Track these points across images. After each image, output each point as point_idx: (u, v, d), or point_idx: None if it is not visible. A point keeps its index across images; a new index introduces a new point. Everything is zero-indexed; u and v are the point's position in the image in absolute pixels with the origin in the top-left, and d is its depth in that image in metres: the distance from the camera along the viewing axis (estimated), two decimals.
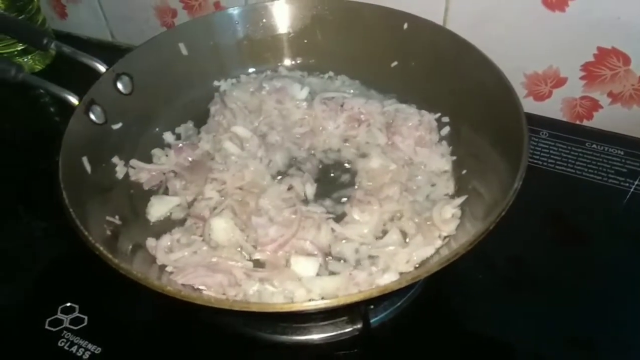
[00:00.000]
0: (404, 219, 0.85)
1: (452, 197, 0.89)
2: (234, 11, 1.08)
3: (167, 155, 0.98)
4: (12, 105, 1.36)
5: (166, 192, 0.94)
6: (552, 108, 1.13)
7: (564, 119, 1.14)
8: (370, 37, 1.06)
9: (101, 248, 0.68)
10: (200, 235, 0.85)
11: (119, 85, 0.96)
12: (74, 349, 0.82)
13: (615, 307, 0.84)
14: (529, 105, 1.12)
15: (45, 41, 0.97)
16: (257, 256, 0.82)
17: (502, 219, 0.68)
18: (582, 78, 1.07)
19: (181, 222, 0.89)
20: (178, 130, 1.05)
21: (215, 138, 1.00)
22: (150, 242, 0.83)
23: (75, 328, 0.84)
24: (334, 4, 1.07)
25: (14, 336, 0.86)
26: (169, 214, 0.91)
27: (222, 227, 0.83)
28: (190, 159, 0.98)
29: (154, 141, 1.02)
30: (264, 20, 1.10)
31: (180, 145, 0.99)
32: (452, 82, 0.96)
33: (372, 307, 0.81)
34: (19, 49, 1.33)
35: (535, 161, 1.04)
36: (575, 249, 0.93)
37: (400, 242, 0.83)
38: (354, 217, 0.86)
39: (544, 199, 0.97)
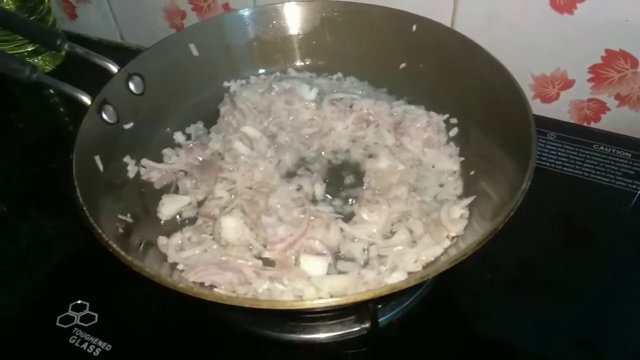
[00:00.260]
0: (412, 219, 0.86)
1: (460, 197, 0.89)
2: (245, 13, 1.09)
3: (177, 155, 0.99)
4: (23, 105, 1.38)
5: (177, 191, 0.95)
6: (560, 110, 1.14)
7: (572, 121, 1.15)
8: (379, 38, 1.07)
9: (114, 245, 0.68)
10: (211, 234, 0.86)
11: (131, 86, 0.97)
12: (84, 345, 0.83)
13: (622, 308, 0.84)
14: (537, 107, 1.13)
15: (58, 42, 0.98)
16: (266, 255, 0.83)
17: (510, 220, 0.68)
18: (589, 80, 1.07)
19: (192, 221, 0.90)
20: (188, 130, 1.06)
21: (225, 138, 1.00)
22: (162, 240, 0.84)
23: (85, 325, 0.85)
24: (343, 5, 1.08)
25: (25, 333, 0.87)
26: (179, 212, 0.92)
27: (232, 226, 0.84)
28: (200, 158, 0.98)
29: (165, 141, 1.03)
30: (274, 22, 1.11)
31: (191, 145, 1.00)
32: (461, 83, 0.97)
33: (379, 306, 0.82)
34: (29, 49, 1.34)
35: (543, 163, 1.04)
36: (583, 250, 0.93)
37: (409, 242, 0.83)
38: (362, 217, 0.87)
39: (551, 200, 0.97)
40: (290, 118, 1.05)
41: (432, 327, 0.84)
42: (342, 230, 0.85)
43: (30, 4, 1.31)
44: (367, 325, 0.80)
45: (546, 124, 1.11)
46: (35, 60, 1.36)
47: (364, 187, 0.93)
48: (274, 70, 1.15)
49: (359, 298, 0.63)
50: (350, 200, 0.92)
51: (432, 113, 0.99)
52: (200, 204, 0.92)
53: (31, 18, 1.30)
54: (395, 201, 0.87)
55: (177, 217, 0.92)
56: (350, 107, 1.02)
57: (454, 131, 0.99)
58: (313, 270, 0.79)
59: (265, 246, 0.83)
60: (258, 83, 1.11)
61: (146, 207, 0.92)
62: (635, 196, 0.98)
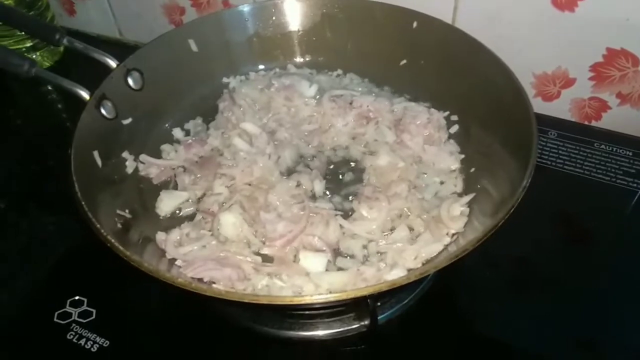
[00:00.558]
0: (412, 216, 0.86)
1: (461, 194, 0.89)
2: (245, 8, 1.09)
3: (176, 151, 0.99)
4: (21, 101, 1.37)
5: (175, 187, 0.95)
6: (561, 108, 1.13)
7: (573, 120, 1.14)
8: (379, 35, 1.06)
9: (113, 240, 0.68)
10: (209, 230, 0.85)
11: (130, 81, 0.97)
12: (82, 341, 0.82)
13: (622, 308, 0.84)
14: (538, 106, 1.12)
15: (57, 36, 0.98)
16: (265, 251, 0.82)
17: (510, 218, 0.68)
18: (591, 79, 1.07)
19: (190, 217, 0.90)
20: (187, 126, 1.06)
21: (224, 134, 1.00)
22: (160, 236, 0.83)
23: (83, 321, 0.85)
24: (344, 2, 1.08)
25: (23, 329, 0.86)
26: (178, 208, 0.91)
27: (231, 222, 0.84)
28: (199, 154, 0.98)
29: (164, 137, 1.03)
30: (274, 18, 1.10)
31: (190, 141, 1.00)
32: (461, 80, 0.97)
33: (379, 303, 0.82)
34: (27, 45, 1.34)
35: (544, 161, 1.04)
36: (583, 248, 0.93)
37: (408, 239, 0.83)
38: (362, 213, 0.86)
39: (551, 198, 0.97)
40: (290, 114, 1.04)
41: (431, 324, 0.84)
42: (341, 226, 0.85)
43: (29, 0, 1.30)
44: (366, 322, 0.80)
45: (547, 122, 1.11)
46: (34, 56, 1.36)
47: (364, 184, 0.93)
48: (273, 66, 1.14)
49: (359, 294, 0.63)
50: (349, 197, 0.91)
51: (432, 110, 0.99)
52: (199, 200, 0.92)
53: (30, 14, 1.29)
54: (395, 198, 0.87)
55: (176, 212, 0.91)
56: (350, 103, 1.02)
57: (454, 128, 0.99)
58: (312, 267, 0.79)
59: (264, 242, 0.83)
60: (257, 79, 1.11)
61: (145, 203, 0.92)
62: (636, 195, 0.98)
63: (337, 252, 0.83)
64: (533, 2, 1.02)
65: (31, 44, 1.34)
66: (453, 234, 0.82)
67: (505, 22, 1.06)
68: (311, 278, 0.77)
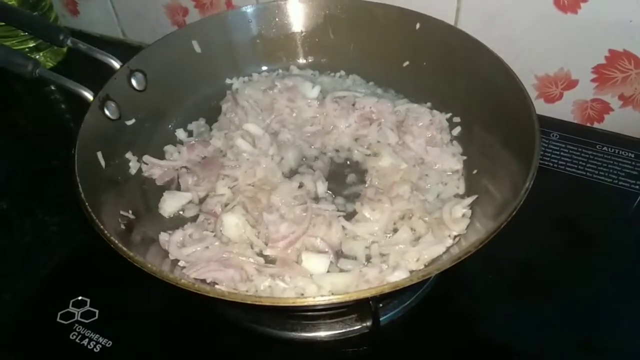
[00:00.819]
0: (415, 217, 0.86)
1: (463, 196, 0.89)
2: (248, 9, 1.09)
3: (179, 152, 0.99)
4: (25, 102, 1.38)
5: (178, 188, 0.95)
6: (563, 110, 1.13)
7: (575, 121, 1.14)
8: (382, 36, 1.06)
9: (116, 241, 0.68)
10: (212, 231, 0.86)
11: (133, 82, 0.97)
12: (85, 342, 0.83)
13: (624, 309, 0.84)
14: (540, 107, 1.12)
15: (61, 37, 0.98)
16: (268, 252, 0.83)
17: (512, 219, 0.68)
18: (593, 80, 1.07)
19: (193, 218, 0.90)
20: (190, 127, 1.06)
21: (227, 135, 1.00)
22: (163, 236, 0.84)
23: (86, 321, 0.85)
24: (347, 3, 1.08)
25: (26, 329, 0.87)
26: (181, 209, 0.92)
27: (233, 223, 0.84)
28: (202, 155, 0.98)
29: (167, 138, 1.03)
30: (277, 19, 1.10)
31: (193, 142, 1.00)
32: (464, 82, 0.97)
33: (381, 305, 0.82)
34: (30, 45, 1.34)
35: (546, 163, 1.04)
36: (584, 250, 0.93)
37: (411, 241, 0.83)
38: (364, 215, 0.86)
39: (554, 200, 0.97)
40: (293, 116, 1.05)
41: (433, 326, 0.84)
42: (343, 228, 0.85)
43: (33, 0, 1.31)
44: (368, 323, 0.80)
45: (549, 124, 1.11)
46: (37, 57, 1.36)
47: (366, 186, 0.93)
48: (276, 67, 1.14)
49: (361, 295, 0.63)
50: (352, 198, 0.91)
51: (435, 112, 0.99)
52: (201, 200, 0.92)
53: (33, 14, 1.29)
54: (397, 200, 0.87)
55: (179, 213, 0.91)
56: (353, 105, 1.02)
57: (457, 130, 0.99)
58: (314, 268, 0.79)
59: (266, 243, 0.83)
60: (260, 80, 1.11)
61: (148, 204, 0.92)
62: (638, 197, 0.97)
63: (339, 254, 0.83)
64: (536, 3, 1.02)
65: (34, 44, 1.35)
66: (455, 236, 0.82)
67: (508, 23, 1.06)
68: (314, 279, 0.78)
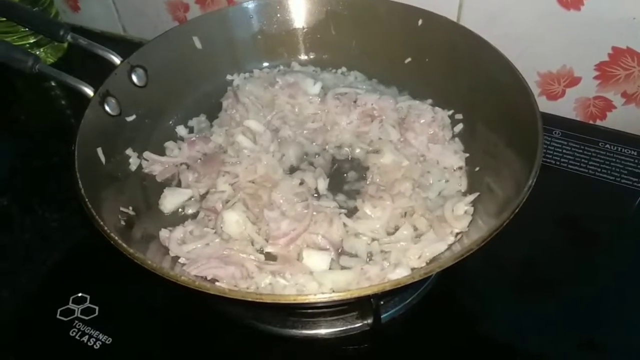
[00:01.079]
0: (416, 215, 0.85)
1: (465, 194, 0.89)
2: (249, 5, 1.08)
3: (180, 148, 0.99)
4: (25, 98, 1.37)
5: (179, 184, 0.95)
6: (566, 107, 1.13)
7: (578, 119, 1.14)
8: (384, 33, 1.06)
9: (116, 237, 0.68)
10: (213, 228, 0.85)
11: (134, 78, 0.97)
12: (85, 338, 0.83)
13: (626, 308, 0.84)
14: (542, 105, 1.11)
15: (62, 32, 0.98)
16: (269, 249, 0.82)
17: (515, 217, 0.68)
18: (596, 78, 1.07)
19: (194, 215, 0.90)
20: (191, 123, 1.06)
21: (228, 132, 1.00)
22: (164, 233, 0.83)
23: (86, 318, 0.85)
24: None
25: (26, 325, 0.86)
26: (181, 206, 0.91)
27: (234, 220, 0.84)
28: (203, 152, 0.98)
29: (167, 134, 1.02)
30: (279, 15, 1.10)
31: (193, 138, 1.00)
32: (466, 79, 0.96)
33: (382, 302, 0.81)
34: (31, 41, 1.34)
35: (549, 160, 1.03)
36: (587, 248, 0.92)
37: (412, 238, 0.83)
38: (366, 212, 0.86)
39: (556, 198, 0.97)
40: (294, 112, 1.04)
41: (434, 324, 0.84)
42: (345, 225, 0.85)
43: None
44: (369, 321, 0.80)
45: (552, 122, 1.10)
46: (38, 52, 1.36)
47: (368, 183, 0.92)
48: (277, 63, 1.14)
49: (362, 293, 0.63)
50: (353, 195, 0.91)
51: (437, 108, 0.99)
52: (202, 197, 0.92)
53: (34, 9, 1.29)
54: (399, 197, 0.86)
55: (180, 210, 0.91)
56: (355, 101, 1.02)
57: (459, 127, 0.98)
58: (315, 265, 0.79)
59: (267, 240, 0.83)
60: (262, 77, 1.10)
61: (148, 200, 0.92)
62: None
63: (340, 251, 0.83)
64: (539, 0, 1.01)
65: (35, 40, 1.34)
66: (457, 234, 0.82)
67: (511, 20, 1.06)
68: (315, 277, 0.77)
